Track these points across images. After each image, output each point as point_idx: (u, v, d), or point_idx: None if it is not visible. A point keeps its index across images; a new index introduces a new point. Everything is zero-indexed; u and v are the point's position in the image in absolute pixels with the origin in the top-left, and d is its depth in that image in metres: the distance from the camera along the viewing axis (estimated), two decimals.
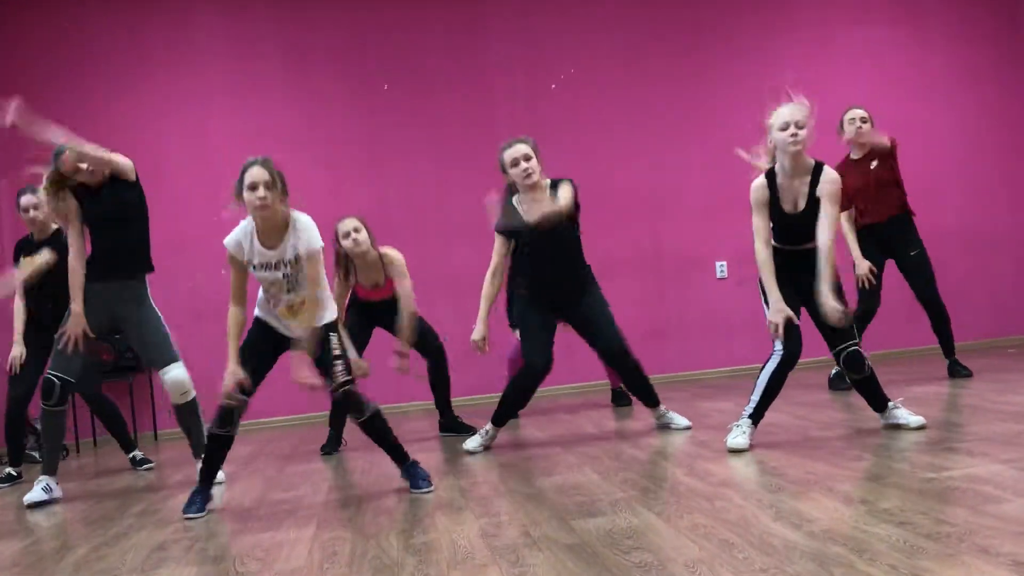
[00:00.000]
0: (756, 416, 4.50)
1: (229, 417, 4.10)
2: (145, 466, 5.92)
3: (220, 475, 4.93)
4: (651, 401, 5.33)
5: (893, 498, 3.15)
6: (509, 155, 5.02)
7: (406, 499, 4.05)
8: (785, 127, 4.30)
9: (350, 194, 7.48)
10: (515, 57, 8.12)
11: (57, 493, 4.96)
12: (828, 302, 4.22)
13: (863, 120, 6.14)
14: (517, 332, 5.96)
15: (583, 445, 5.05)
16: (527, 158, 4.99)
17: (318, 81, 7.93)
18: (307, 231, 4.05)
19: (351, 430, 6.16)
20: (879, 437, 4.34)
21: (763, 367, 4.48)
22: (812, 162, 4.39)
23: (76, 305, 4.82)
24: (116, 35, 7.79)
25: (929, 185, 8.24)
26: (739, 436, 4.41)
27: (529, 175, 4.99)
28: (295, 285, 4.10)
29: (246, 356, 4.09)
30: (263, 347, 4.21)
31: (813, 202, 4.36)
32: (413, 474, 4.22)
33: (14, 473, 5.76)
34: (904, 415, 4.48)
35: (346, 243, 5.57)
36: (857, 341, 4.41)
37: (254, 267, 4.07)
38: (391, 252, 5.66)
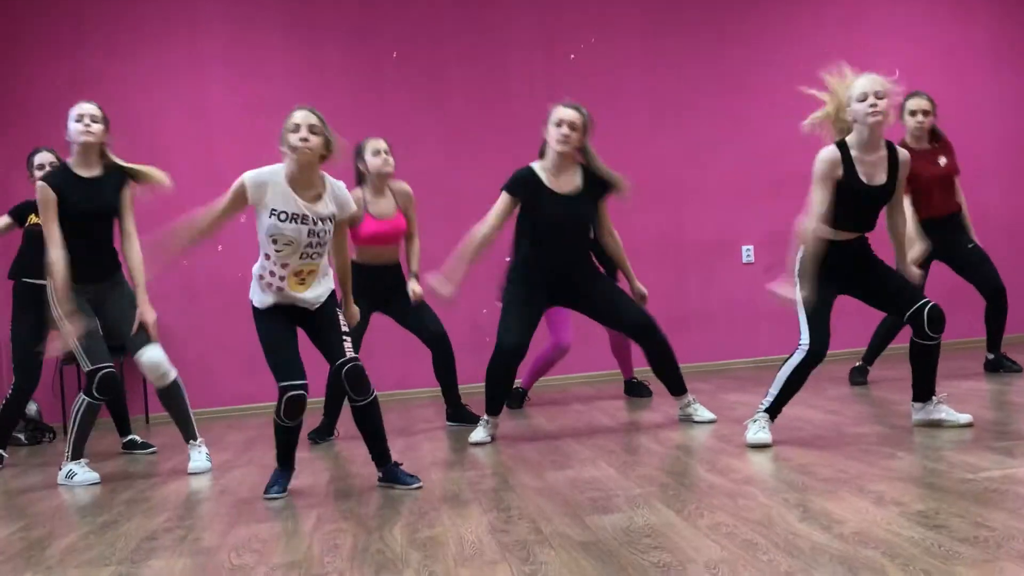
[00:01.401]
0: (773, 411, 4.50)
1: (293, 408, 4.10)
2: (143, 451, 5.94)
3: (202, 463, 4.99)
4: (678, 387, 5.30)
5: (928, 499, 3.14)
6: (558, 114, 5.02)
7: (411, 491, 4.05)
8: (864, 97, 4.27)
9: (350, 166, 7.45)
10: (531, 25, 8.08)
11: (94, 477, 5.00)
12: (911, 268, 4.47)
13: (925, 113, 6.06)
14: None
15: (598, 437, 5.05)
16: (572, 127, 4.99)
17: (323, 51, 7.91)
18: (345, 192, 4.11)
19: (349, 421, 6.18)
20: (914, 434, 4.33)
21: (786, 360, 4.48)
22: (884, 140, 4.37)
23: (64, 307, 4.82)
24: (111, 1, 7.79)
25: (972, 169, 8.17)
26: (760, 431, 4.41)
27: (565, 140, 4.99)
28: (316, 248, 4.05)
29: (277, 337, 4.08)
30: (282, 326, 4.13)
31: (892, 178, 4.35)
32: (396, 474, 4.19)
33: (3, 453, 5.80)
34: (951, 412, 4.46)
35: (375, 161, 5.59)
36: (929, 299, 4.39)
37: (278, 217, 3.95)
38: (404, 184, 5.79)
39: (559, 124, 4.99)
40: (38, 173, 5.61)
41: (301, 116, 3.98)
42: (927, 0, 8.50)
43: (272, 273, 4.06)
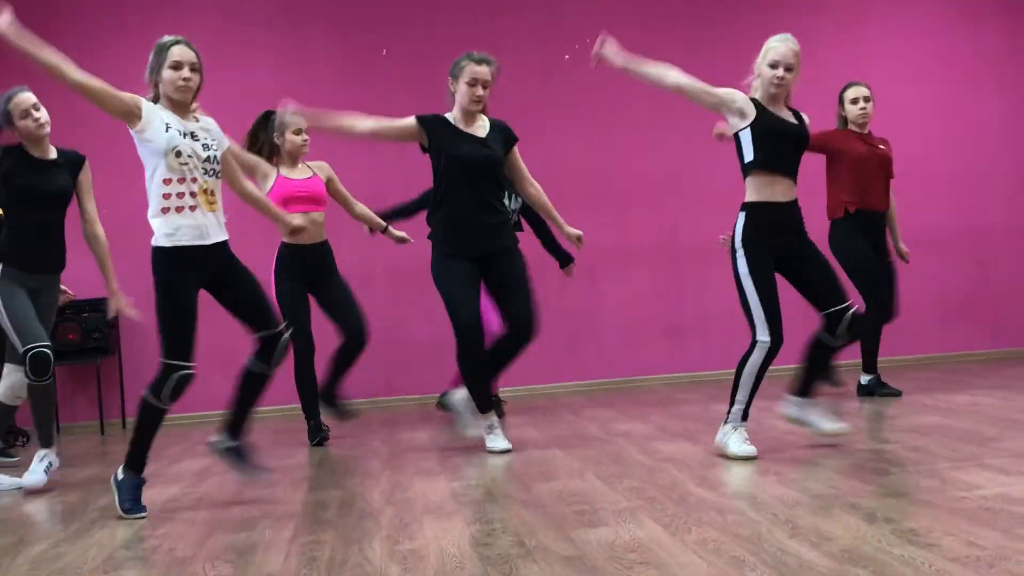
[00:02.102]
0: (747, 416, 4.56)
1: (179, 387, 4.07)
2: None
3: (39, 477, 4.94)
4: (487, 404, 5.17)
5: (920, 517, 3.16)
6: (471, 72, 5.10)
7: (392, 501, 4.06)
8: (775, 65, 4.54)
9: (341, 168, 7.43)
10: (526, 24, 8.09)
11: (57, 465, 5.04)
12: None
13: (866, 99, 6.17)
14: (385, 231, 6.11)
15: (586, 448, 5.06)
16: (486, 85, 5.11)
17: (310, 46, 7.90)
18: (217, 128, 4.25)
19: (334, 424, 6.18)
20: (908, 451, 4.35)
21: (745, 360, 4.57)
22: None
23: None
24: None
25: (976, 175, 8.23)
26: (744, 443, 4.46)
27: (478, 101, 5.12)
28: (214, 168, 4.13)
29: (172, 305, 4.04)
30: (185, 290, 4.07)
31: (801, 127, 4.58)
32: (235, 451, 4.28)
33: None
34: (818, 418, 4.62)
35: (294, 139, 5.81)
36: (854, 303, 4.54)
37: (170, 130, 4.03)
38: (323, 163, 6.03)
39: (474, 83, 5.08)
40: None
41: (182, 53, 4.14)
42: (923, 5, 8.52)
43: (181, 195, 4.06)
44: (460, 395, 5.18)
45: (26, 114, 4.81)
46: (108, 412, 7.57)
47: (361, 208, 5.98)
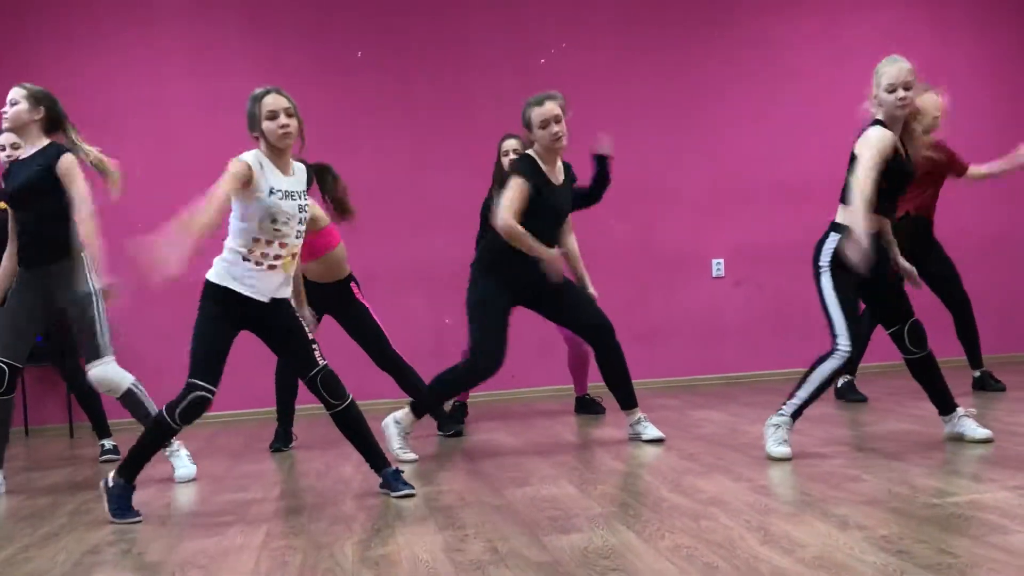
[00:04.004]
0: (798, 414, 4.55)
1: (195, 411, 4.03)
2: (108, 457, 5.85)
3: (190, 469, 4.98)
4: (629, 400, 5.29)
5: (892, 524, 3.18)
6: (539, 114, 4.97)
7: (364, 506, 4.05)
8: (892, 88, 4.40)
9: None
10: (501, 28, 8.09)
11: (1, 488, 4.94)
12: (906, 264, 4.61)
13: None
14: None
15: (560, 454, 5.06)
16: (558, 120, 4.98)
17: (284, 48, 7.86)
18: (304, 170, 4.21)
19: (306, 427, 6.16)
20: (881, 457, 4.38)
21: (820, 363, 4.49)
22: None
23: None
24: None
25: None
26: (782, 444, 4.47)
27: (559, 139, 5.00)
28: (302, 230, 4.15)
29: (208, 331, 4.04)
30: (225, 326, 4.08)
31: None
32: (388, 480, 4.21)
33: None
34: (970, 427, 4.56)
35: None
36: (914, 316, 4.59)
37: (274, 194, 4.00)
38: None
39: (546, 125, 4.97)
40: (1, 155, 5.59)
41: (274, 101, 4.08)
42: (904, 9, 8.56)
43: (257, 253, 4.03)
44: (399, 416, 5.23)
45: None
46: (77, 414, 7.51)
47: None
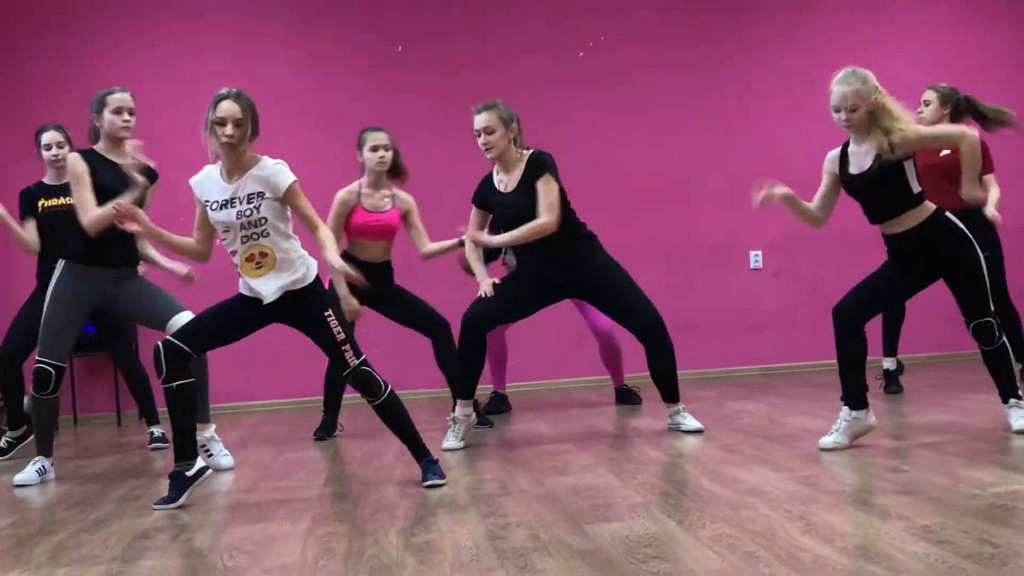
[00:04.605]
0: (846, 398, 4.54)
1: (159, 369, 4.09)
2: (157, 445, 5.93)
3: (229, 460, 5.00)
4: (672, 394, 5.30)
5: (933, 515, 3.16)
6: (474, 123, 5.10)
7: (407, 494, 4.08)
8: (836, 110, 4.39)
9: (354, 164, 7.46)
10: (540, 23, 8.09)
11: (51, 475, 5.01)
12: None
13: (926, 103, 5.99)
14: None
15: (599, 444, 5.07)
16: (488, 131, 5.05)
17: (326, 41, 7.92)
18: (274, 170, 4.11)
19: (349, 417, 6.20)
20: (921, 448, 4.35)
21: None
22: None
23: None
24: None
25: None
26: (832, 433, 4.48)
27: (488, 149, 5.08)
28: (253, 230, 4.09)
29: (212, 314, 4.17)
30: (234, 315, 4.22)
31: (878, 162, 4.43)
32: (426, 469, 4.24)
33: (12, 440, 5.84)
34: (1015, 416, 4.53)
35: (372, 156, 5.64)
36: (991, 313, 4.54)
37: (210, 207, 4.10)
38: (408, 195, 5.83)
39: (477, 135, 5.08)
40: (46, 153, 5.66)
41: (226, 109, 4.04)
42: (934, 6, 8.49)
43: (234, 265, 4.19)
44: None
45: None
46: (125, 403, 7.60)
47: (431, 248, 5.81)
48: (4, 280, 7.41)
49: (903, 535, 2.94)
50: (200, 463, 4.21)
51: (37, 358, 4.85)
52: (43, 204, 5.69)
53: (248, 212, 4.06)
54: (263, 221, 4.08)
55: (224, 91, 4.08)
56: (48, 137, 5.69)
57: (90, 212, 4.68)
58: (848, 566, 2.67)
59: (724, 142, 8.20)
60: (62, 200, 5.52)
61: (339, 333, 4.16)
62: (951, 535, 2.90)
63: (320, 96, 7.91)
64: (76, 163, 4.78)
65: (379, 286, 5.65)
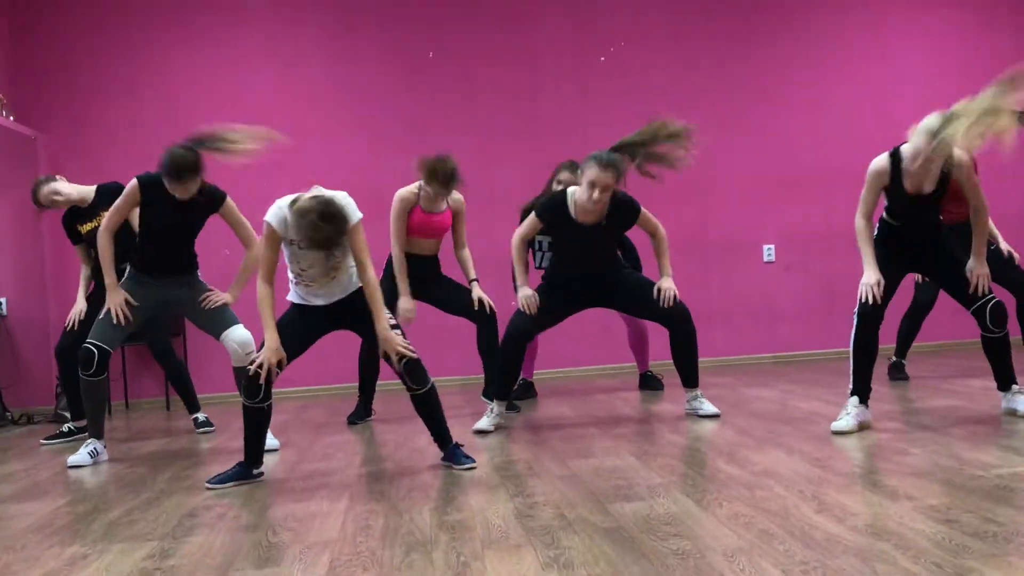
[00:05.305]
0: (857, 390, 4.54)
1: (257, 390, 4.09)
2: (204, 429, 5.98)
3: (274, 442, 5.01)
4: (692, 380, 5.30)
5: (940, 495, 3.15)
6: (592, 176, 4.92)
7: (439, 475, 4.10)
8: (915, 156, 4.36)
9: (389, 165, 7.49)
10: (563, 29, 8.09)
11: (104, 457, 5.06)
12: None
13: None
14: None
15: (620, 427, 5.07)
16: (606, 189, 4.93)
17: (361, 48, 7.93)
18: (345, 202, 4.07)
19: (382, 402, 6.23)
20: (927, 432, 4.33)
21: (850, 338, 4.56)
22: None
23: (109, 278, 4.93)
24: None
25: (990, 182, 8.10)
26: (842, 417, 4.49)
27: (598, 204, 4.99)
28: (335, 262, 4.14)
29: (283, 333, 4.12)
30: (300, 328, 4.25)
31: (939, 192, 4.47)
32: (454, 455, 4.26)
33: (73, 427, 5.88)
34: (1023, 403, 4.52)
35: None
36: (994, 295, 4.52)
37: (298, 245, 4.06)
38: (460, 196, 5.83)
39: (593, 186, 4.93)
40: (55, 203, 5.75)
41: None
42: (948, 7, 8.43)
43: (300, 284, 4.25)
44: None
45: None
46: (173, 389, 7.64)
47: (465, 256, 5.87)
48: (61, 278, 7.48)
49: (911, 514, 2.93)
50: (262, 468, 4.30)
51: (87, 339, 4.91)
52: (81, 228, 5.79)
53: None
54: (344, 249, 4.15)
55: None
56: (45, 192, 5.72)
57: (104, 238, 4.92)
58: (859, 543, 2.67)
59: (738, 142, 8.17)
60: (95, 222, 5.59)
61: (393, 319, 4.21)
62: (957, 514, 2.89)
63: (356, 101, 7.92)
64: (133, 191, 4.91)
65: (427, 276, 5.72)
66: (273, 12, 7.91)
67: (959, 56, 8.33)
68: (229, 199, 5.02)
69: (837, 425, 4.44)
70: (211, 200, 4.97)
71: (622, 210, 5.13)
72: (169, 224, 4.95)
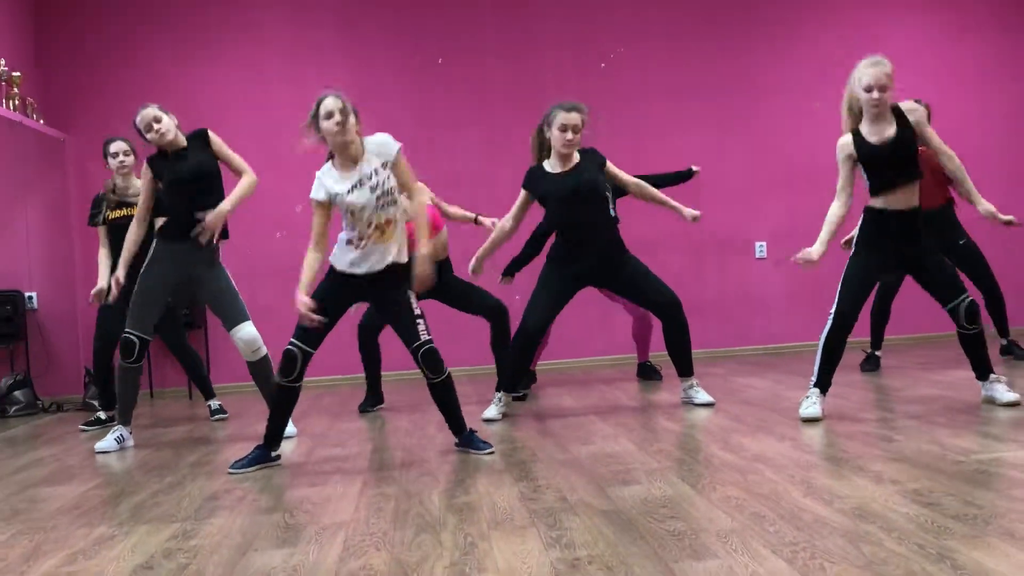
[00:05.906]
0: (820, 383, 4.57)
1: (292, 367, 4.06)
2: (218, 416, 6.00)
3: (292, 429, 4.98)
4: (686, 369, 5.29)
5: (922, 479, 3.16)
6: (562, 119, 4.99)
7: (448, 461, 4.11)
8: (868, 89, 4.42)
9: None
10: (565, 34, 8.09)
11: (130, 443, 5.08)
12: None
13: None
14: (503, 280, 5.99)
15: (618, 416, 5.08)
16: (576, 130, 5.00)
17: (373, 53, 7.95)
18: (379, 141, 4.09)
19: (392, 391, 6.24)
20: (911, 419, 4.34)
21: (822, 334, 4.57)
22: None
23: (122, 270, 4.99)
24: (178, 4, 7.86)
25: (974, 176, 8.11)
26: (810, 406, 4.50)
27: (570, 145, 5.02)
28: (386, 199, 4.05)
29: (318, 299, 4.05)
30: (336, 296, 4.16)
31: (902, 133, 4.44)
32: (471, 440, 4.27)
33: (103, 417, 5.90)
34: (1001, 391, 4.52)
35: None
36: (968, 294, 4.51)
37: (345, 196, 4.01)
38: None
39: (564, 129, 4.98)
40: (112, 161, 5.71)
41: (329, 104, 4.01)
42: (943, 8, 8.39)
43: (351, 240, 4.10)
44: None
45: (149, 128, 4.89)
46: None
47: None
48: (90, 274, 7.50)
49: (895, 497, 2.94)
50: (279, 451, 4.30)
51: (125, 330, 4.91)
52: (109, 216, 5.78)
53: (378, 184, 4.03)
54: (393, 190, 4.08)
55: (324, 93, 4.07)
56: (115, 147, 5.72)
57: (136, 228, 4.99)
58: (846, 525, 2.68)
59: (732, 142, 8.18)
60: (125, 212, 5.60)
61: (416, 308, 4.19)
62: (939, 498, 2.90)
63: (368, 104, 7.89)
64: (145, 171, 4.96)
65: (440, 277, 5.68)
66: (288, 20, 7.92)
67: (952, 56, 8.32)
68: (212, 133, 4.95)
69: (806, 413, 4.47)
70: (197, 137, 4.91)
71: (589, 154, 5.16)
72: (180, 175, 4.83)
